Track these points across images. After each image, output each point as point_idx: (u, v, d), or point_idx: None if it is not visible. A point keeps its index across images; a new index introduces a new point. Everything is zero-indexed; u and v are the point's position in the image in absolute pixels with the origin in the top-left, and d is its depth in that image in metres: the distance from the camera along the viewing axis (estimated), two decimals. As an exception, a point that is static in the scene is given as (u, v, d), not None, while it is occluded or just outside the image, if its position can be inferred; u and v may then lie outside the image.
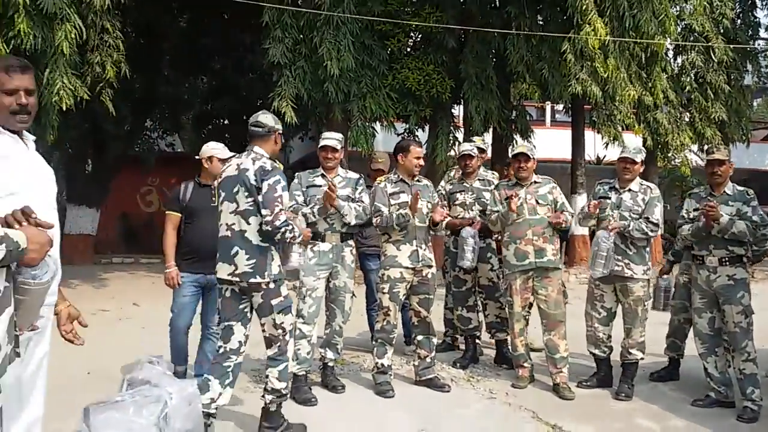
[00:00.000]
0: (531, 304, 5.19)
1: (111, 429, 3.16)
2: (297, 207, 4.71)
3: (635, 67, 11.33)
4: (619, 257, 4.85)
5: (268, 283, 3.78)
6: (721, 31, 13.62)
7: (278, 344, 3.89)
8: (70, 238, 11.90)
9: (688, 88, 13.75)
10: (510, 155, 6.35)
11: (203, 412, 3.66)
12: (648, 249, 5.01)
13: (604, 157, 18.19)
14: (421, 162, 5.06)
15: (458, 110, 13.48)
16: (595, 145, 17.41)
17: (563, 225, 5.01)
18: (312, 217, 4.70)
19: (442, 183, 6.05)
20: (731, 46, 13.39)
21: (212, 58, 14.54)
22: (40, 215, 2.56)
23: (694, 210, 4.83)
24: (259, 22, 10.03)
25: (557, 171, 13.93)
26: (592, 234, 5.53)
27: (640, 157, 5.04)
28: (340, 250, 4.84)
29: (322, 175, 4.91)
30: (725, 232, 4.54)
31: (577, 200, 12.82)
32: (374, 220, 4.94)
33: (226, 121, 16.16)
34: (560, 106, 15.69)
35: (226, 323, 3.91)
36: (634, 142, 12.08)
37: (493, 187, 5.54)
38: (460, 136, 11.93)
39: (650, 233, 4.87)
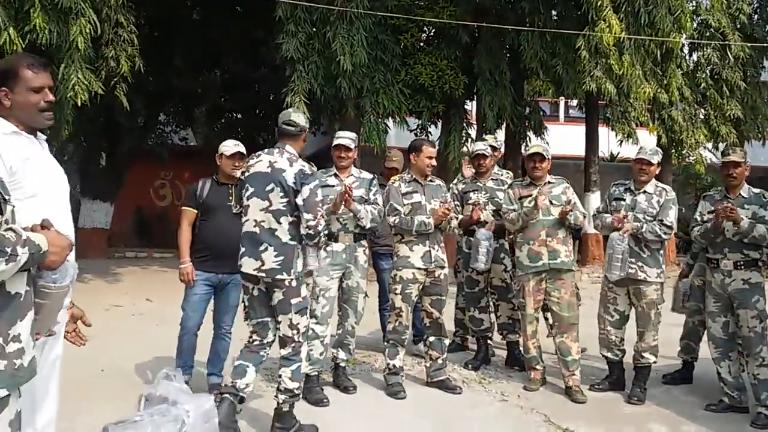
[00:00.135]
0: (546, 308, 5.16)
1: None
2: None
3: (650, 64, 11.22)
4: (633, 260, 4.81)
5: (292, 280, 3.83)
6: (738, 26, 13.45)
7: (292, 344, 3.91)
8: (83, 232, 11.97)
9: (703, 84, 13.60)
10: (525, 153, 6.31)
11: (240, 396, 3.85)
12: (662, 252, 4.97)
13: (618, 154, 18.06)
14: (433, 162, 5.03)
15: (471, 106, 13.43)
16: (608, 142, 17.29)
17: (571, 221, 4.95)
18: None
19: (454, 182, 6.02)
20: (748, 44, 13.21)
21: (225, 52, 14.55)
22: (58, 216, 2.59)
23: (709, 212, 4.79)
24: (273, 17, 10.02)
25: (570, 168, 13.90)
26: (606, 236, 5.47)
27: (656, 159, 5.00)
28: (353, 250, 4.84)
29: (335, 175, 4.90)
30: (746, 236, 4.49)
31: (591, 198, 12.76)
32: (391, 219, 4.93)
33: (239, 115, 16.18)
34: (574, 102, 15.57)
35: (259, 320, 3.97)
36: (649, 142, 12.03)
37: (506, 186, 5.51)
38: (472, 132, 11.89)
39: (664, 236, 4.84)
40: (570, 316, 4.96)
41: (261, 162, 3.98)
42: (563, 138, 16.03)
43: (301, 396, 4.13)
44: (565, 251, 4.97)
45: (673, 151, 13.71)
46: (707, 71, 13.70)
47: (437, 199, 4.97)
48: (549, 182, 5.12)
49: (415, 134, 11.93)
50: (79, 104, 7.63)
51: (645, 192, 4.96)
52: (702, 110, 14.10)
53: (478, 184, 5.76)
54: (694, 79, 13.54)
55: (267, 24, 11.23)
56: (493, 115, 10.89)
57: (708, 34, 13.44)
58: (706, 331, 4.95)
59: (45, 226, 1.97)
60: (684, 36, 12.01)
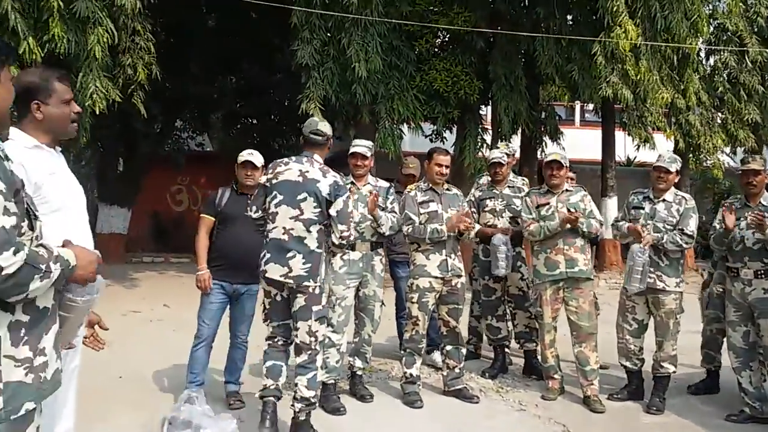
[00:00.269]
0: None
1: None
2: None
3: (667, 69, 11.15)
4: (652, 269, 4.77)
5: (316, 287, 3.90)
6: (756, 30, 13.35)
7: (309, 352, 3.92)
8: (101, 238, 12.05)
9: (720, 88, 13.50)
10: (542, 159, 6.28)
11: (275, 389, 4.00)
12: (681, 261, 4.93)
13: (635, 158, 17.95)
14: (443, 170, 4.98)
15: (486, 111, 13.40)
16: (625, 146, 17.18)
17: (583, 229, 4.91)
18: None
19: (472, 191, 6.00)
20: (767, 48, 13.09)
21: (241, 59, 14.61)
22: (80, 229, 2.62)
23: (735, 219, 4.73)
24: (288, 24, 10.06)
25: (586, 173, 13.79)
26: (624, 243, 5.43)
27: (674, 167, 4.95)
28: (370, 258, 4.85)
29: (352, 183, 4.91)
30: None
31: (608, 203, 12.67)
32: (405, 229, 4.93)
33: (254, 121, 16.24)
34: (590, 106, 15.49)
35: (281, 322, 4.05)
36: (666, 147, 11.94)
37: (523, 194, 5.49)
38: (488, 138, 11.85)
39: (684, 245, 4.80)
40: (588, 326, 4.92)
41: (290, 170, 4.01)
42: (579, 142, 15.94)
43: (317, 405, 4.14)
44: (583, 260, 4.94)
45: (691, 155, 13.61)
46: (725, 75, 13.61)
47: (454, 208, 4.96)
48: (567, 190, 5.10)
49: (430, 140, 11.92)
50: (98, 112, 7.69)
51: (664, 200, 4.92)
52: (719, 114, 13.99)
53: (494, 191, 5.74)
54: (711, 83, 13.45)
55: (282, 30, 11.28)
56: (508, 121, 10.85)
57: (725, 37, 13.34)
58: (726, 340, 4.90)
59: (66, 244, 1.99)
60: (701, 40, 11.93)
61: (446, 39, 11.86)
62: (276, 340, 4.08)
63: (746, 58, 13.18)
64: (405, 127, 11.50)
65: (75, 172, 2.75)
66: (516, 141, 12.37)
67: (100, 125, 9.78)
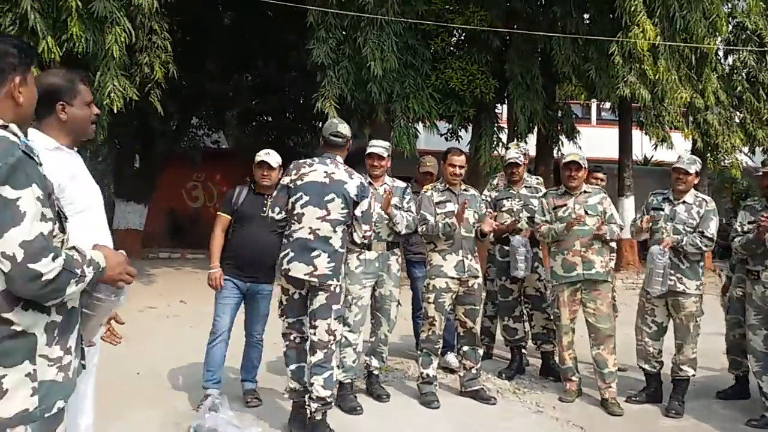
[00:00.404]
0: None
1: None
2: None
3: (685, 69, 11.05)
4: (672, 271, 4.72)
5: (337, 286, 3.96)
6: (775, 28, 13.20)
7: (325, 351, 3.94)
8: (118, 234, 12.12)
9: (739, 87, 13.37)
10: (559, 159, 6.26)
11: (304, 391, 4.03)
12: (702, 263, 4.87)
13: (652, 157, 17.81)
14: (458, 171, 4.97)
15: (501, 110, 13.34)
16: (642, 145, 17.06)
17: (606, 236, 4.90)
18: None
19: (486, 191, 5.96)
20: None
21: (256, 56, 14.66)
22: (101, 229, 2.63)
23: (749, 223, 4.69)
24: (304, 22, 10.07)
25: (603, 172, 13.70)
26: (642, 242, 5.39)
27: (694, 168, 4.89)
28: (386, 258, 4.84)
29: (369, 183, 4.90)
30: None
31: (624, 203, 12.59)
32: (420, 229, 4.92)
33: (269, 118, 16.29)
34: (607, 105, 15.40)
35: (297, 318, 4.10)
36: (684, 146, 11.83)
37: (540, 195, 5.46)
38: (503, 136, 11.81)
39: (704, 248, 4.74)
40: (606, 328, 4.89)
41: (315, 171, 4.06)
42: (595, 141, 15.85)
43: (334, 404, 4.14)
44: (600, 262, 4.90)
45: (709, 155, 13.49)
46: (743, 74, 13.47)
47: (471, 208, 4.94)
48: (585, 191, 5.06)
49: (446, 138, 11.89)
50: (115, 111, 7.74)
51: (684, 202, 4.87)
52: (738, 114, 13.85)
53: (511, 191, 5.71)
54: (729, 82, 13.32)
55: (298, 28, 11.29)
56: (524, 119, 10.81)
57: (744, 36, 13.19)
58: (747, 345, 4.83)
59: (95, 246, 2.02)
60: (719, 39, 11.82)
61: (462, 37, 11.82)
62: (292, 337, 4.12)
63: (765, 57, 13.05)
64: (420, 126, 11.47)
65: (91, 169, 2.76)
66: (532, 140, 12.32)
67: (117, 123, 9.86)
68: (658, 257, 4.64)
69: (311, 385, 3.94)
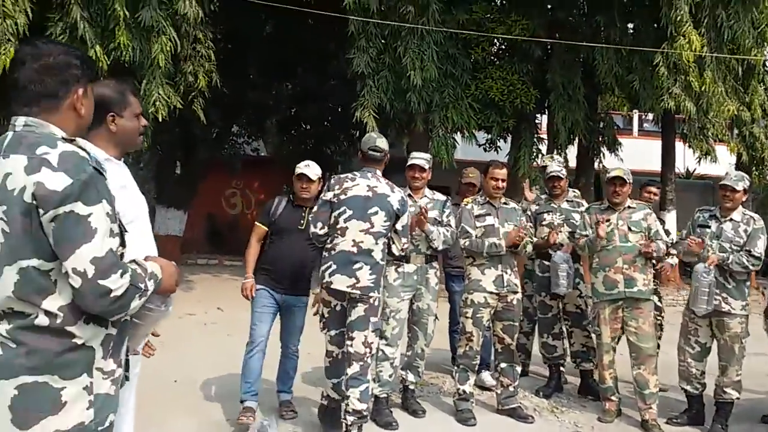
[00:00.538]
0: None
1: None
2: None
3: (732, 81, 10.79)
4: (717, 290, 4.60)
5: (377, 298, 4.00)
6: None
7: (361, 363, 3.93)
8: (158, 239, 12.00)
9: (787, 100, 13.00)
10: (603, 173, 6.16)
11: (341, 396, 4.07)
12: (747, 283, 4.74)
13: (695, 170, 17.43)
14: (499, 184, 4.92)
15: (541, 120, 13.19)
16: (684, 157, 16.71)
17: (653, 254, 4.81)
18: None
19: (524, 204, 5.88)
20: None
21: (296, 65, 14.77)
22: (148, 239, 2.66)
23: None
24: (344, 31, 10.11)
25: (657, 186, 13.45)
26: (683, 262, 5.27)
27: (741, 185, 4.77)
28: (425, 271, 4.81)
29: (409, 196, 4.88)
30: None
31: (666, 217, 12.31)
32: (462, 242, 4.88)
33: (308, 127, 16.40)
34: (649, 116, 15.12)
35: (339, 330, 4.11)
36: (728, 160, 11.52)
37: (583, 209, 5.38)
38: (543, 147, 11.67)
39: (751, 267, 4.62)
40: (648, 348, 4.78)
41: (358, 185, 4.11)
42: (637, 152, 15.57)
43: (369, 418, 4.13)
44: (643, 280, 4.79)
45: (754, 169, 13.15)
46: (791, 86, 13.08)
47: (511, 222, 4.88)
48: (629, 207, 4.96)
49: (484, 149, 11.81)
50: (160, 119, 7.87)
51: (731, 220, 4.75)
52: (785, 127, 13.47)
53: (552, 205, 5.64)
54: (776, 94, 12.95)
55: (338, 37, 11.36)
56: (565, 130, 10.67)
57: (794, 47, 12.83)
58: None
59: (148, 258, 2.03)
60: (767, 49, 11.52)
61: (503, 47, 11.73)
62: (335, 354, 4.13)
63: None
64: (458, 136, 11.41)
65: (134, 175, 2.78)
66: (572, 151, 12.16)
67: (160, 130, 10.01)
68: (703, 276, 4.52)
69: (347, 397, 3.94)
